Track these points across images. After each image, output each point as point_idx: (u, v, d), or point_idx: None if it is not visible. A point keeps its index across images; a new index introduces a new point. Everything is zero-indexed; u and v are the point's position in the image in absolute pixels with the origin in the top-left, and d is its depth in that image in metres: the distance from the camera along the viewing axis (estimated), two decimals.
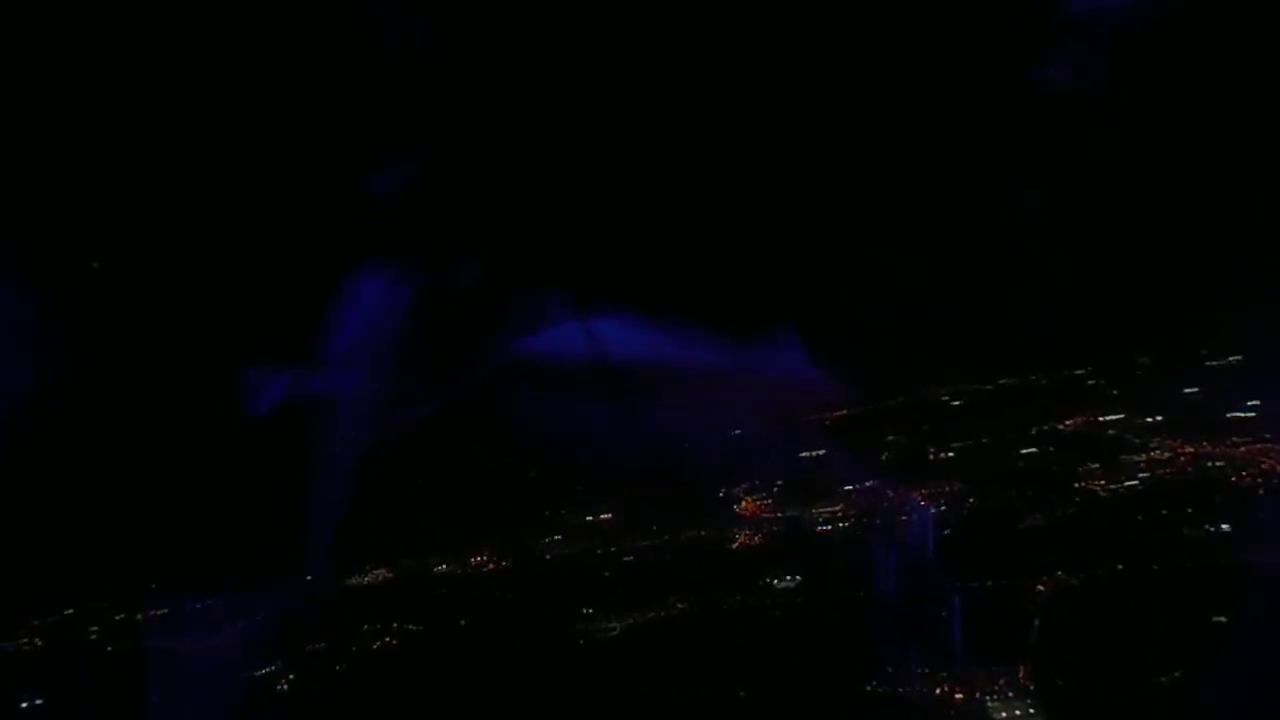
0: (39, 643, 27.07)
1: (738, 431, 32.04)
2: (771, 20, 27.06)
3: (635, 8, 26.46)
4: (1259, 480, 28.97)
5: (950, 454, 32.06)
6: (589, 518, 30.65)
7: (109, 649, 26.58)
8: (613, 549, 30.34)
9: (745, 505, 31.53)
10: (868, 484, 31.82)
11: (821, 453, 32.15)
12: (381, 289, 26.56)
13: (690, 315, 27.27)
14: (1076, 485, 30.87)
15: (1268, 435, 29.49)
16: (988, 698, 25.30)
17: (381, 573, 28.97)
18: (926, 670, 26.02)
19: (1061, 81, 27.61)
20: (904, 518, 31.16)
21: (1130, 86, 27.24)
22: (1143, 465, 30.65)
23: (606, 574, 29.65)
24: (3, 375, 23.46)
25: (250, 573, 25.83)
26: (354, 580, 28.81)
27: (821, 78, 27.11)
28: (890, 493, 31.60)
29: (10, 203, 24.36)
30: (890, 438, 32.39)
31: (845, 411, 32.61)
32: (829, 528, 31.14)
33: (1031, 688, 25.33)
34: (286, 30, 26.31)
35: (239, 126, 26.95)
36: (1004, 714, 24.76)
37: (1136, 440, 31.26)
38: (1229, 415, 30.07)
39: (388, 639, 28.04)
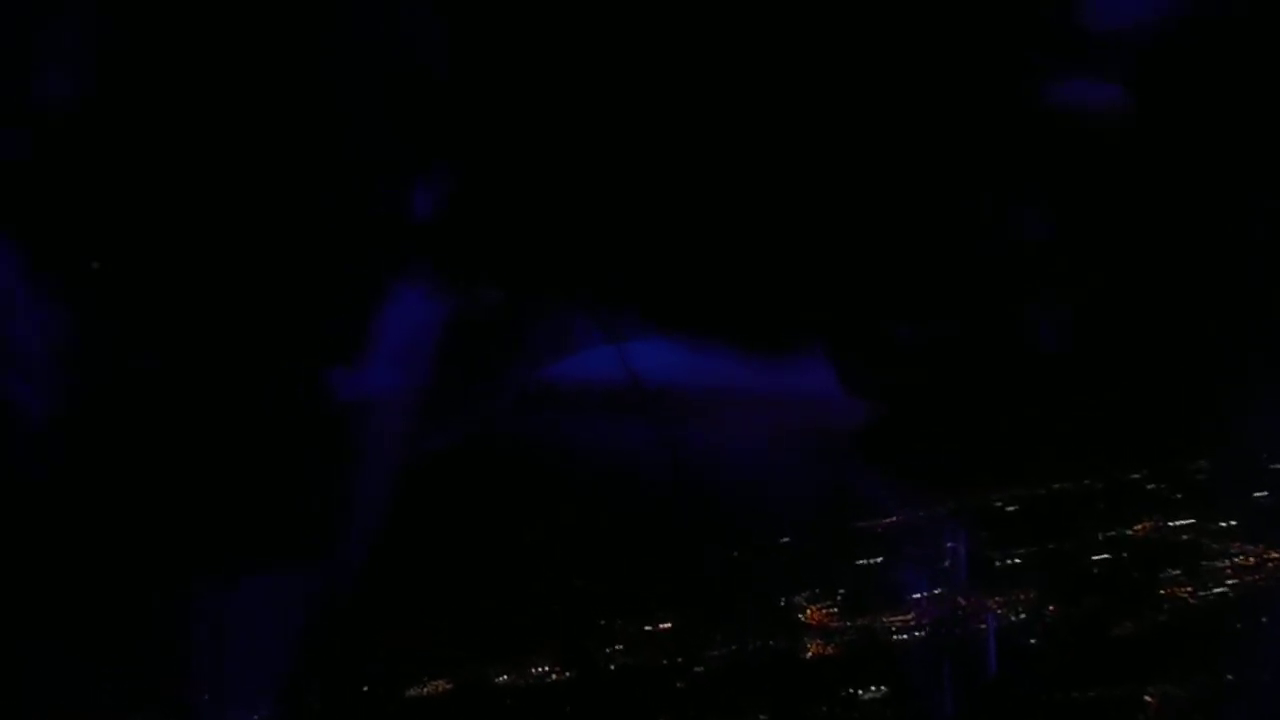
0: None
1: (786, 539, 29.85)
2: (797, 44, 25.90)
3: (667, 28, 25.30)
4: None
5: (1017, 560, 30.13)
6: (647, 627, 27.84)
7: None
8: (679, 659, 27.61)
9: (810, 614, 29.20)
10: (936, 592, 29.71)
11: (879, 560, 30.11)
12: (416, 304, 24.61)
13: (722, 335, 25.57)
14: (1162, 592, 29.01)
15: None
16: None
17: (441, 683, 25.83)
18: None
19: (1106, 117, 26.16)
20: (983, 626, 29.16)
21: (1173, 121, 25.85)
22: (1228, 572, 29.15)
23: (679, 685, 26.92)
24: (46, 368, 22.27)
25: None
26: (414, 691, 25.67)
27: (863, 104, 25.75)
28: (962, 601, 29.56)
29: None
30: (949, 544, 30.29)
31: (895, 519, 30.56)
32: (905, 637, 29.00)
33: None
34: (331, 41, 25.24)
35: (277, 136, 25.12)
36: None
37: (1215, 546, 29.74)
38: None
39: None
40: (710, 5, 25.35)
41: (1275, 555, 29.86)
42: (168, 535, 23.89)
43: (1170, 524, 31.00)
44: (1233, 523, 30.58)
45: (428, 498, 25.12)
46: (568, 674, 26.80)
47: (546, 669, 26.71)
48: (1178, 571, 29.83)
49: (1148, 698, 26.94)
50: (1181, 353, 30.00)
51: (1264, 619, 28.41)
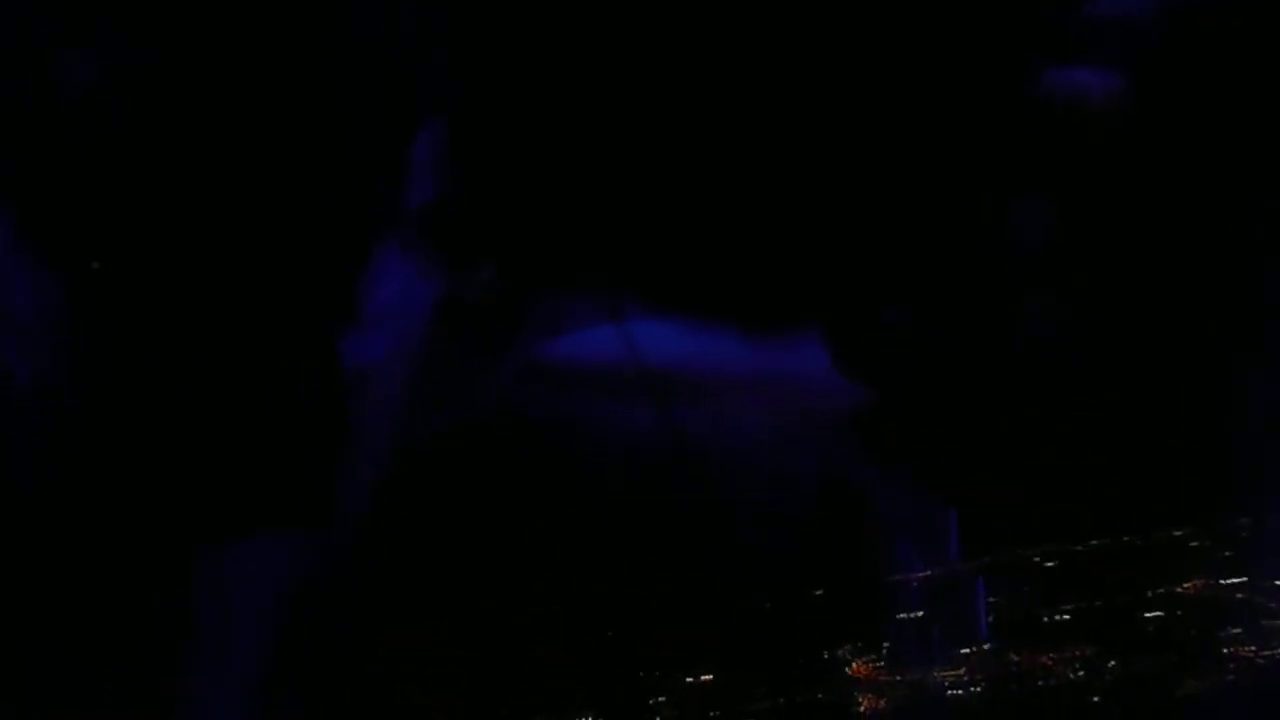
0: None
1: (820, 591, 27.79)
2: (798, 33, 25.01)
3: (673, 11, 24.58)
4: None
5: (1065, 617, 28.34)
6: (689, 679, 25.45)
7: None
8: (725, 712, 25.24)
9: (856, 667, 27.14)
10: (986, 646, 27.87)
11: (921, 614, 28.23)
12: (417, 282, 23.27)
13: (724, 317, 24.33)
14: (1225, 651, 27.40)
15: None
16: None
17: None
18: None
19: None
20: (1040, 683, 27.32)
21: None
22: None
23: None
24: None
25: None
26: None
27: (866, 91, 24.87)
28: (1015, 656, 27.75)
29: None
30: (991, 599, 28.52)
31: (930, 572, 28.72)
32: (960, 692, 27.01)
33: None
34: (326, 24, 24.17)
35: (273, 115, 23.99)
36: None
37: (1273, 605, 28.17)
38: None
39: None
40: None
41: None
42: (161, 510, 21.89)
43: (1222, 582, 29.53)
44: None
45: (426, 476, 23.21)
46: None
47: None
48: (1237, 630, 28.32)
49: None
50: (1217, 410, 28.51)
51: None
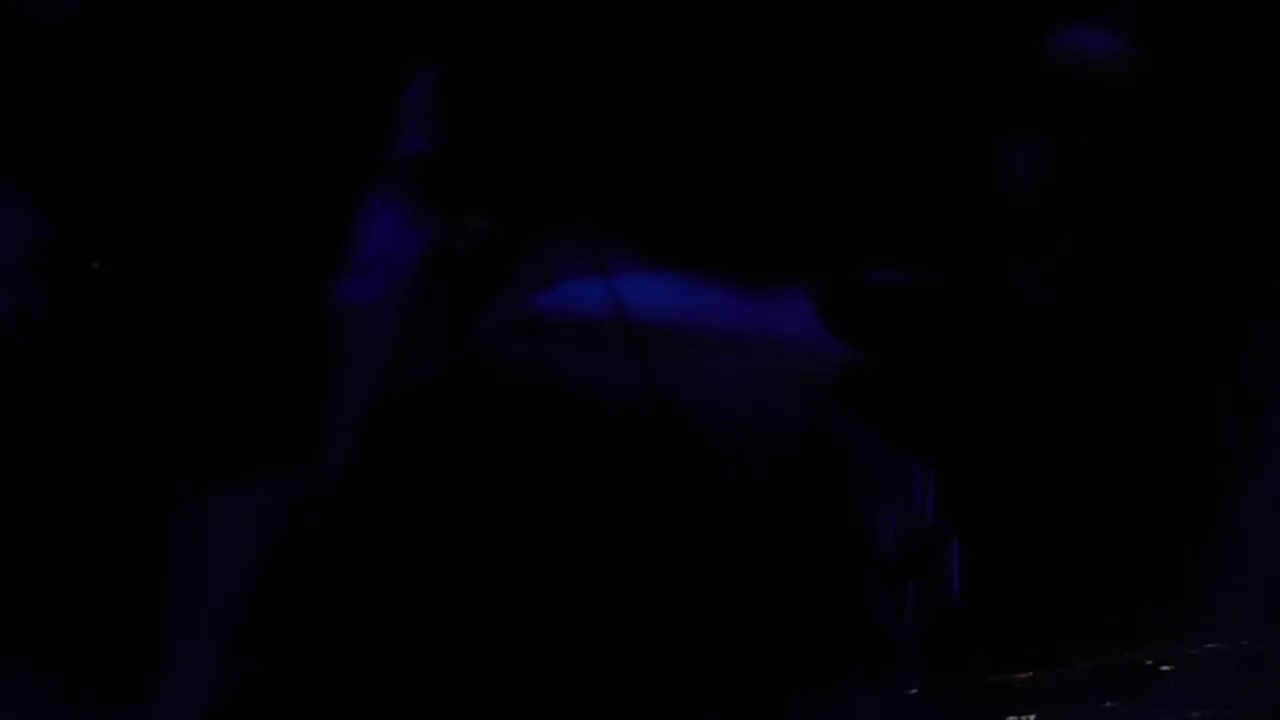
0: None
1: (914, 690, 27.94)
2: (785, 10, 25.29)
3: None
4: None
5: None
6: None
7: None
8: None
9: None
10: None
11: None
12: (399, 228, 23.30)
13: (713, 271, 24.49)
14: None
15: None
16: None
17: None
18: None
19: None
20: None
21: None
22: None
23: None
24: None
25: None
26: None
27: (856, 46, 24.87)
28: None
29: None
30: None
31: (1031, 674, 28.92)
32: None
33: None
34: None
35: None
36: None
37: None
38: None
39: None
40: None
41: None
42: (143, 449, 21.77)
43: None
44: None
45: (404, 427, 23.22)
46: None
47: None
48: None
49: None
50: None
51: None
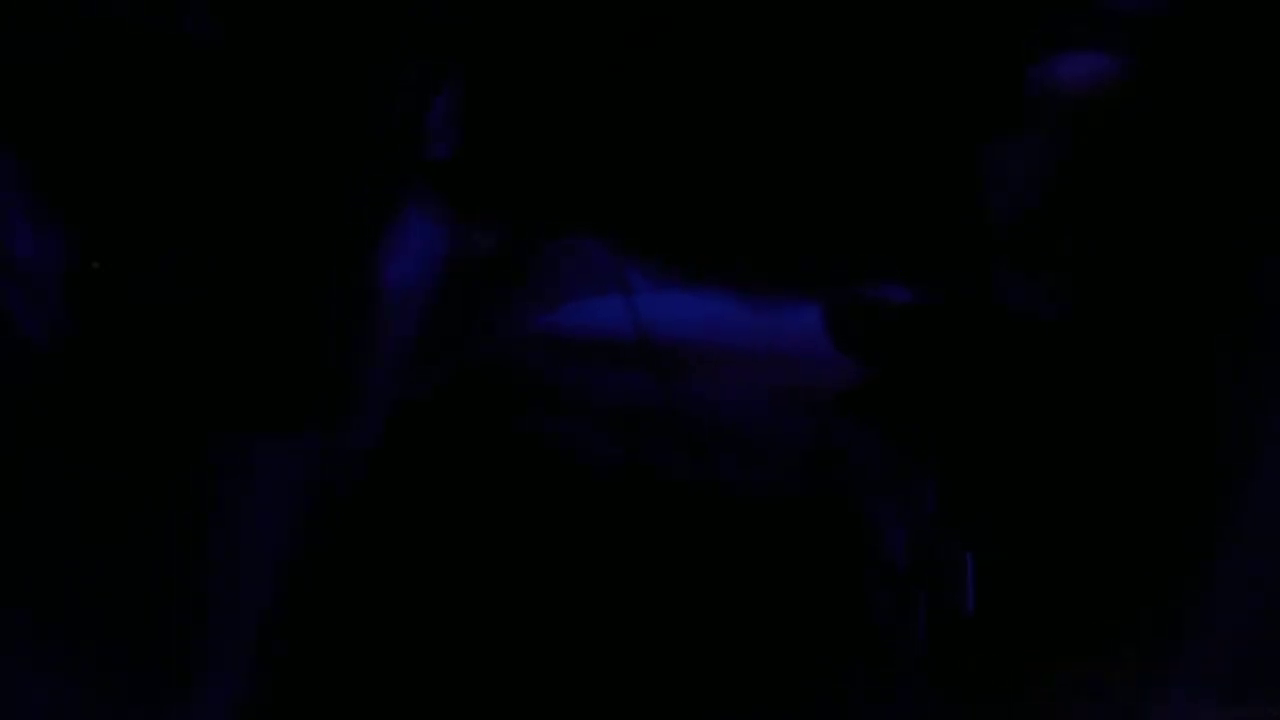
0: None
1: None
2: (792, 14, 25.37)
3: None
4: None
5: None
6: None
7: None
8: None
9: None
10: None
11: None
12: (418, 236, 23.38)
13: (730, 288, 24.54)
14: None
15: None
16: None
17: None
18: None
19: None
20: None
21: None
22: None
23: None
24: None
25: None
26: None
27: (861, 65, 24.92)
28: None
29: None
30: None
31: (1031, 675, 28.82)
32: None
33: None
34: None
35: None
36: None
37: None
38: None
39: None
40: None
41: None
42: (176, 409, 21.86)
43: None
44: None
45: (411, 435, 23.27)
46: None
47: None
48: None
49: None
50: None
51: None
